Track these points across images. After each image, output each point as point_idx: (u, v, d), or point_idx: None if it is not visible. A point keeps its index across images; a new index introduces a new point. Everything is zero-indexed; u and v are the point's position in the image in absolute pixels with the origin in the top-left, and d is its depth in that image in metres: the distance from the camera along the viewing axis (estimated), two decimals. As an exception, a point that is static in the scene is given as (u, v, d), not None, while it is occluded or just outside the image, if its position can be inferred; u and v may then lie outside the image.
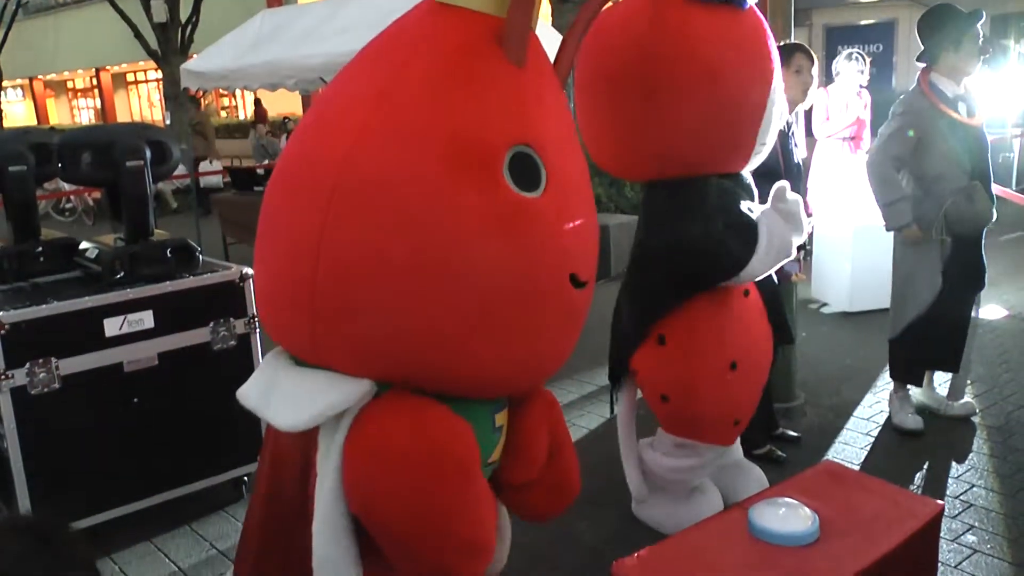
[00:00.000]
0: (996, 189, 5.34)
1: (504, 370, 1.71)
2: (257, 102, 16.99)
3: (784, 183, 2.65)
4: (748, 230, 2.64)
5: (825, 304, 5.89)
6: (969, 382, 4.30)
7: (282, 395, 1.71)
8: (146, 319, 3.07)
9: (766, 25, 2.68)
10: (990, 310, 5.50)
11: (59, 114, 29.82)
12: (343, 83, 1.75)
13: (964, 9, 3.60)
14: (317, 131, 1.70)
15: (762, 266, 2.67)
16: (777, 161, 3.30)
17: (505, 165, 1.61)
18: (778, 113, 2.70)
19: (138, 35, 14.13)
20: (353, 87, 1.72)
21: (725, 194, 2.70)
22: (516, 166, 1.63)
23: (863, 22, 14.26)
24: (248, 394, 1.80)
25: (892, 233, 3.85)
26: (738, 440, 3.24)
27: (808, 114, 5.96)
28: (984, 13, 3.60)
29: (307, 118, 1.78)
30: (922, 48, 3.68)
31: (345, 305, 1.59)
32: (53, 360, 2.89)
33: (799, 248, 3.52)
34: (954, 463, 3.57)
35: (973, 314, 3.94)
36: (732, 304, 2.82)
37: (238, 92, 14.90)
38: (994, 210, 3.70)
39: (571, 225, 1.71)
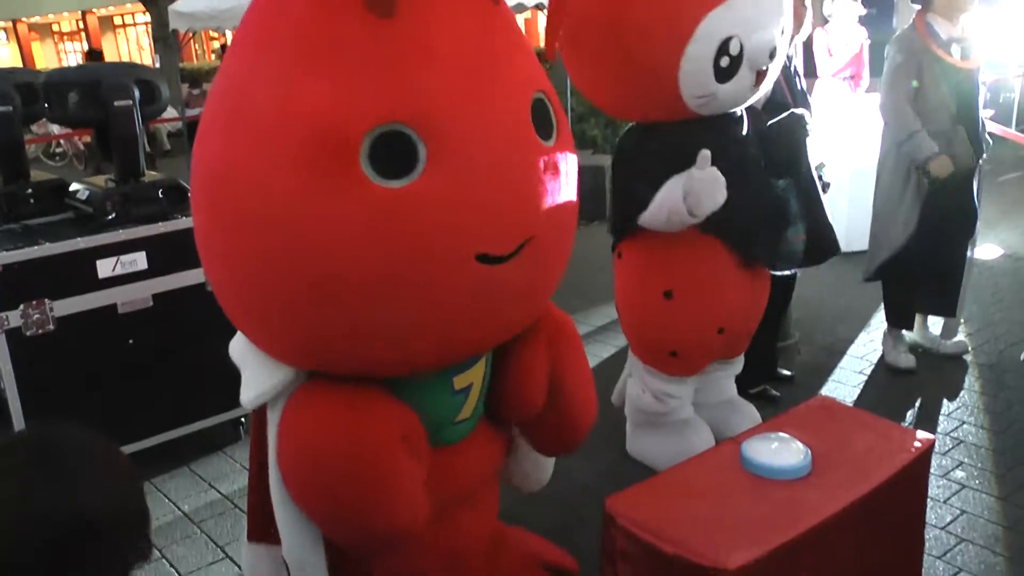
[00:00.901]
0: (996, 129, 5.32)
1: (417, 356, 1.60)
2: (224, 47, 16.69)
3: (707, 152, 2.57)
4: (643, 190, 2.66)
5: (821, 245, 5.87)
6: (962, 321, 4.31)
7: (245, 369, 1.75)
8: (139, 260, 3.05)
9: None
10: (985, 250, 5.49)
11: (45, 58, 29.28)
12: (225, 59, 1.60)
13: None
14: (203, 122, 1.59)
15: (651, 223, 2.68)
16: (783, 93, 3.26)
17: (363, 154, 1.37)
18: (697, 68, 2.51)
19: (124, -25, 13.81)
20: (224, 68, 1.56)
21: (662, 146, 2.69)
22: (381, 151, 1.38)
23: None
24: (233, 351, 1.82)
25: (877, 172, 3.82)
26: (733, 379, 3.27)
27: (808, 53, 5.87)
28: None
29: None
30: None
31: (240, 302, 1.59)
32: (47, 302, 2.88)
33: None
34: (945, 401, 3.60)
35: (968, 254, 3.94)
36: (680, 235, 2.75)
37: (229, 34, 14.62)
38: (980, 156, 3.65)
39: (472, 201, 1.45)
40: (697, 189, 2.55)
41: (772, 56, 2.55)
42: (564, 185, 1.63)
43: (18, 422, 2.88)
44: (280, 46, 1.44)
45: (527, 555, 2.21)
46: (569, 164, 1.67)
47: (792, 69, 3.47)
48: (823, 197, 3.39)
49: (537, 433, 1.98)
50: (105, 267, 2.99)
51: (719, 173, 2.59)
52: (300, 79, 1.40)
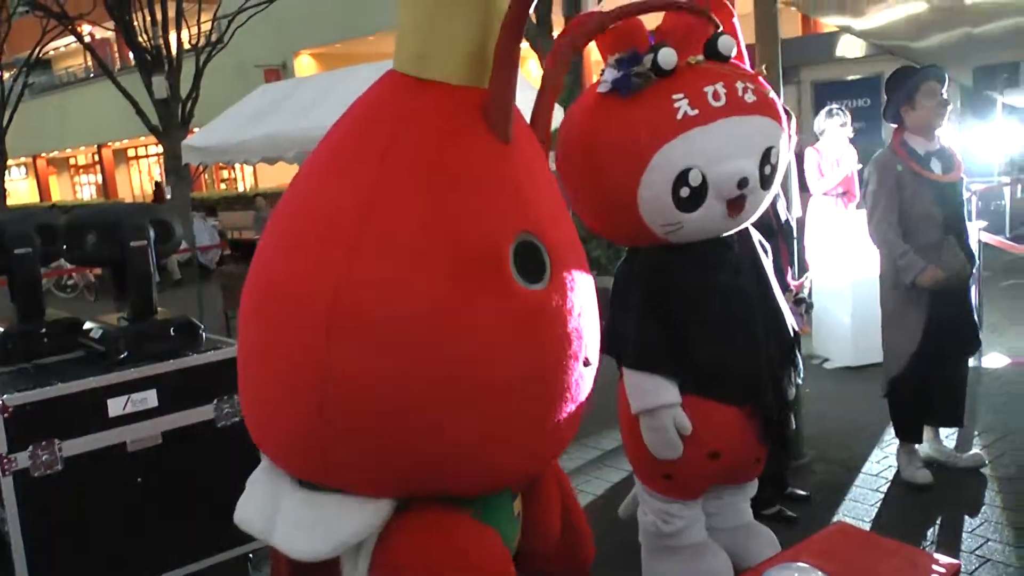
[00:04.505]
0: (989, 238, 5.41)
1: (521, 465, 1.68)
2: (157, 185, 17.23)
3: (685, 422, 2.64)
4: (624, 323, 2.68)
5: (827, 359, 5.87)
6: (976, 432, 4.27)
7: (292, 521, 1.61)
8: (150, 398, 3.06)
9: (680, 104, 2.43)
10: (993, 358, 5.48)
11: (61, 190, 30.16)
12: (316, 182, 1.58)
13: (939, 63, 3.67)
14: (298, 247, 1.54)
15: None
16: (769, 218, 3.34)
17: (512, 261, 1.48)
18: (654, 196, 2.49)
19: (139, 111, 14.36)
20: (330, 189, 1.54)
21: (642, 271, 2.73)
22: (521, 258, 1.50)
23: (850, 77, 14.52)
24: (249, 519, 1.67)
25: (880, 288, 3.87)
26: (747, 502, 3.20)
27: (800, 171, 6.03)
28: (940, 69, 3.66)
29: (279, 223, 1.62)
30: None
31: (362, 433, 1.50)
32: (56, 442, 2.87)
33: (800, 303, 3.51)
34: (967, 517, 3.53)
35: (975, 363, 3.94)
36: None
37: (237, 165, 15.09)
38: (973, 265, 3.71)
39: (579, 308, 1.59)
40: (657, 432, 2.66)
41: (742, 185, 2.46)
42: None
43: (20, 565, 2.82)
44: (428, 171, 1.49)
45: None
46: None
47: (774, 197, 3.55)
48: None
49: (549, 568, 2.02)
50: (116, 406, 2.99)
51: (675, 437, 2.64)
52: (453, 201, 1.48)
